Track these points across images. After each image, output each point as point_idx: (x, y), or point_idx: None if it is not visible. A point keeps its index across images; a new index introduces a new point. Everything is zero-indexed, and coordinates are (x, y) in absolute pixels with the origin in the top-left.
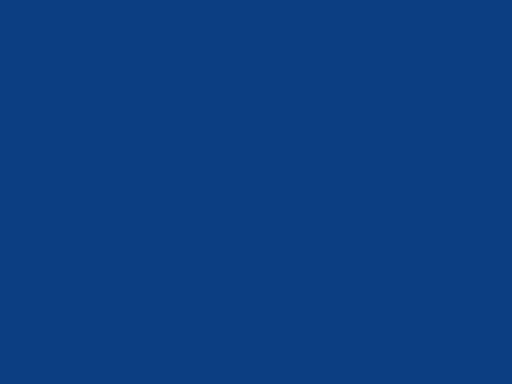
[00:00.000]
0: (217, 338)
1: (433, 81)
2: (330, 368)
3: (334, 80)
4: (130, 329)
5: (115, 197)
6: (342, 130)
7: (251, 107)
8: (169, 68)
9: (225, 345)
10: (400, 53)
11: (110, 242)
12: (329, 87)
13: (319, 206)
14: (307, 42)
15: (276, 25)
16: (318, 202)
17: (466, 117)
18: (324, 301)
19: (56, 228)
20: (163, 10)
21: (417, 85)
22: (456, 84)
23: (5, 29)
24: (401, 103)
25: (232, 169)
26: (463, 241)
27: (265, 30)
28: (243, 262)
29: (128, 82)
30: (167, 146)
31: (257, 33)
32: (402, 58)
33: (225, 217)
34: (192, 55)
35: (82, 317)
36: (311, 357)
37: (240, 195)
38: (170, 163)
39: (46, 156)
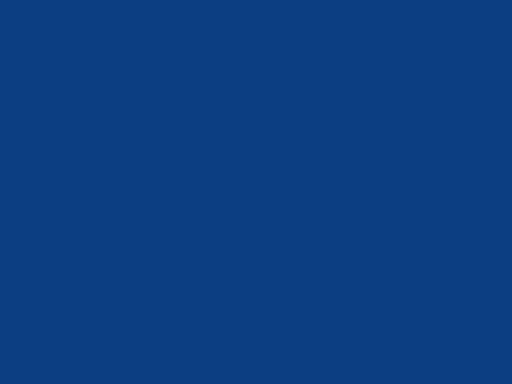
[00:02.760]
0: (217, 338)
1: (433, 81)
2: (330, 368)
3: (334, 80)
4: (130, 329)
5: (115, 196)
6: (342, 130)
7: (251, 107)
8: (169, 68)
9: (225, 345)
10: (400, 53)
11: (110, 241)
12: (329, 87)
13: (319, 205)
14: (307, 42)
15: (276, 25)
16: (318, 202)
17: (466, 117)
18: (324, 301)
19: (56, 228)
20: (163, 10)
21: (417, 85)
22: (456, 84)
23: (5, 29)
24: (401, 103)
25: (232, 169)
26: (463, 241)
27: (265, 30)
28: (243, 262)
29: (128, 81)
30: (167, 145)
31: (257, 33)
32: (402, 58)
33: (225, 217)
34: (192, 55)
35: (82, 316)
36: (311, 357)
37: (240, 195)
38: (170, 163)
39: (46, 156)
